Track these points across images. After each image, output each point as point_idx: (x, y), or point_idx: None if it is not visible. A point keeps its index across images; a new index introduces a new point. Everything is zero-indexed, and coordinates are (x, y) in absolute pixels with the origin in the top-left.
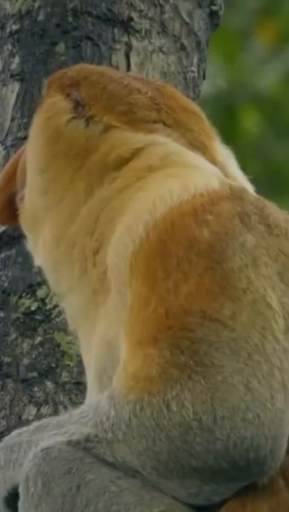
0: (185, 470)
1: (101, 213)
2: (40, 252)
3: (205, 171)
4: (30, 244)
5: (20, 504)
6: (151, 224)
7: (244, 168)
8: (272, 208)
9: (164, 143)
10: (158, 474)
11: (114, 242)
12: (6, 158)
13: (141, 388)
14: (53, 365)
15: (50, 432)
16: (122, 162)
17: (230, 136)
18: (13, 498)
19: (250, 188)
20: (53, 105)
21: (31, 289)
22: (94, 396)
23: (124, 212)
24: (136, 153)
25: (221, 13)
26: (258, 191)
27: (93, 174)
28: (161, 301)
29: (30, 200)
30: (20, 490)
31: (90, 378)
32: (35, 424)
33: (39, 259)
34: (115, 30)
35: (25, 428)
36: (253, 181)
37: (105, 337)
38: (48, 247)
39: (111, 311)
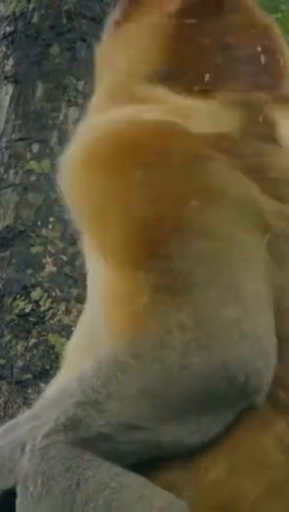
0: (184, 402)
1: None
2: None
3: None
4: None
5: (18, 502)
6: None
7: None
8: None
9: None
10: (156, 419)
11: None
12: (1, 160)
13: (132, 326)
14: (47, 367)
15: (26, 427)
16: None
17: None
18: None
19: None
20: None
21: (25, 290)
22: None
23: None
24: None
25: None
26: None
27: None
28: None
29: None
30: (19, 490)
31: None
32: (2, 428)
33: None
34: None
35: None
36: None
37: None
38: None
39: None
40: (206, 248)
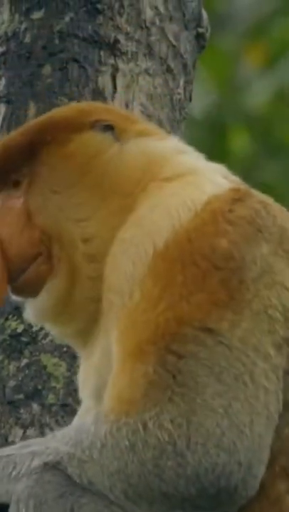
0: (154, 494)
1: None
2: None
3: (215, 175)
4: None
5: None
6: (174, 230)
7: None
8: (273, 206)
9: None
10: (126, 498)
11: (121, 247)
12: None
13: (121, 409)
14: (39, 387)
15: (28, 451)
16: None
17: (220, 156)
18: None
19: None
20: None
21: (18, 311)
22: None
23: (130, 220)
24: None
25: (207, 35)
26: None
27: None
28: (170, 305)
29: (71, 253)
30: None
31: (85, 398)
32: (19, 444)
33: None
34: (101, 53)
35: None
36: None
37: (106, 352)
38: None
39: (108, 323)
40: (220, 353)
